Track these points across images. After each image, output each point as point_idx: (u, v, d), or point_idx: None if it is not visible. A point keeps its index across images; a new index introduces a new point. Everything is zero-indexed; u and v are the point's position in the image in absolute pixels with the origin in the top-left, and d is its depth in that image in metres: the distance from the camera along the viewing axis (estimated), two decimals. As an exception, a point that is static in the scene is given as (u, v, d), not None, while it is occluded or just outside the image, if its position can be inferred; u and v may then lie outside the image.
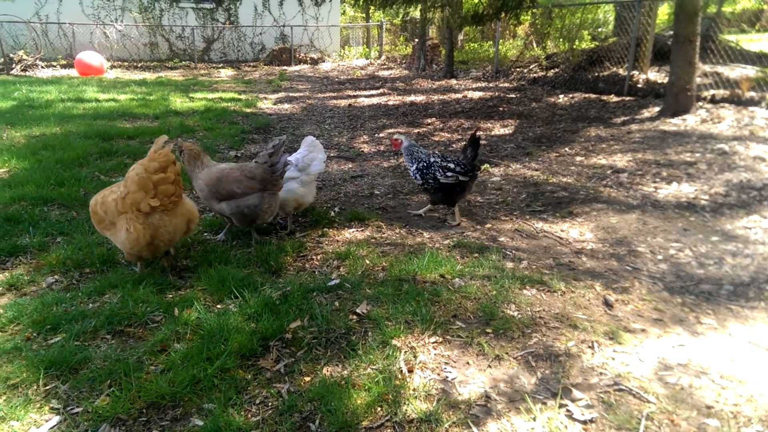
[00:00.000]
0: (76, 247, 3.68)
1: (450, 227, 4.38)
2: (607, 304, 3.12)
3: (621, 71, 11.03)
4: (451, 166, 4.31)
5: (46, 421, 2.10)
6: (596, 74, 11.56)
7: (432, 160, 4.41)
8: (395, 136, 4.72)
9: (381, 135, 8.24)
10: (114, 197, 3.06)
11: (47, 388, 2.26)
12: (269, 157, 3.72)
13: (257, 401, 2.23)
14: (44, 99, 10.10)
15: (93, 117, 8.46)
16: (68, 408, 2.15)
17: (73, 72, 15.78)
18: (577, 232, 4.30)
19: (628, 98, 10.03)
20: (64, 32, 18.29)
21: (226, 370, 2.37)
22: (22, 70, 15.78)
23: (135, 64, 18.97)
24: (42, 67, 16.51)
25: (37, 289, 3.20)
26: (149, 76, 15.97)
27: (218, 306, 2.99)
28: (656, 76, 10.67)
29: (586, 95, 10.74)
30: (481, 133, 8.05)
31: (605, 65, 11.61)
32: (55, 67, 16.93)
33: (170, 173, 3.01)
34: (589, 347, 2.66)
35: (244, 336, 2.59)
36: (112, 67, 17.67)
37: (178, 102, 10.47)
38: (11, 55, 16.06)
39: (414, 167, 4.50)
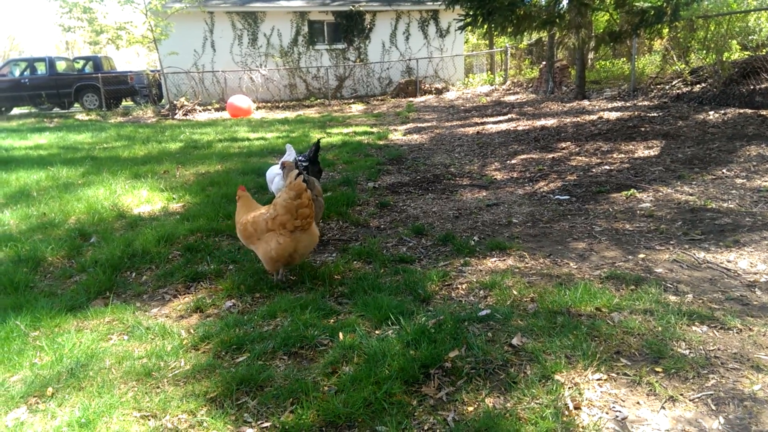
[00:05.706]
0: (246, 274, 4.11)
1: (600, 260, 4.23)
2: (795, 345, 2.81)
3: (783, 82, 9.93)
4: (302, 158, 5.75)
5: (242, 432, 2.36)
6: (751, 87, 10.49)
7: (294, 156, 5.96)
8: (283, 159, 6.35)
9: (513, 161, 8.17)
10: (264, 218, 3.78)
11: (239, 402, 2.54)
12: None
13: (425, 427, 2.32)
14: (205, 140, 11.38)
15: (247, 155, 9.38)
16: (259, 422, 2.40)
17: (225, 114, 17.63)
18: (747, 262, 3.93)
19: (793, 112, 8.99)
20: (217, 79, 20.64)
21: (392, 394, 2.50)
22: (183, 115, 17.93)
23: (276, 104, 20.75)
24: (199, 111, 18.65)
25: (218, 312, 3.61)
26: (289, 114, 17.33)
27: (377, 332, 3.16)
28: (829, 85, 9.45)
29: (741, 111, 9.79)
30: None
31: (762, 77, 10.50)
32: (210, 110, 19.05)
33: (305, 198, 3.70)
34: (778, 392, 2.42)
35: (406, 362, 2.71)
36: (258, 108, 19.46)
37: (318, 137, 11.23)
38: (174, 102, 18.34)
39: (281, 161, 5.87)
